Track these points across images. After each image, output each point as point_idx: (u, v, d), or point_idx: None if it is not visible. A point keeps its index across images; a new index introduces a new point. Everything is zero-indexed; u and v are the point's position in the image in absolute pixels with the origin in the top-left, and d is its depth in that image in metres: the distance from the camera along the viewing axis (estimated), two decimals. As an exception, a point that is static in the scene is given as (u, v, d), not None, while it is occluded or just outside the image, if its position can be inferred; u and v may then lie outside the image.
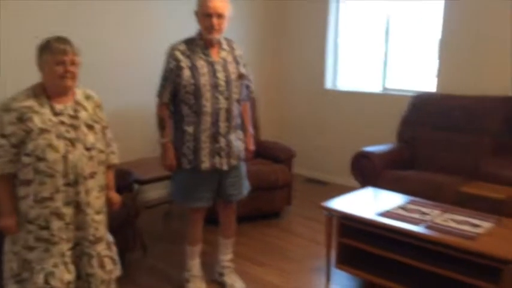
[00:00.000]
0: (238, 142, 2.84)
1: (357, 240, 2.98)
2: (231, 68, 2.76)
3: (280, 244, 3.75)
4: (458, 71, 4.34)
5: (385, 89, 5.05)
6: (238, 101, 2.79)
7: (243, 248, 3.48)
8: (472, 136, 3.94)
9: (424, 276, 2.76)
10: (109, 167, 2.31)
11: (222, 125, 2.73)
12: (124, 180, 3.20)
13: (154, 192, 4.45)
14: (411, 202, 3.13)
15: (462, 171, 3.82)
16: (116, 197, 2.37)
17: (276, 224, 4.14)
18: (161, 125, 2.79)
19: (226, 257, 3.04)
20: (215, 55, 2.74)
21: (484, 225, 2.71)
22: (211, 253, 3.20)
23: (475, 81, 4.21)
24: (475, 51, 4.22)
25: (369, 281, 2.98)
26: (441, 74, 4.48)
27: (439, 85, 4.49)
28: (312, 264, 3.41)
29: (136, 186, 3.52)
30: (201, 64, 2.69)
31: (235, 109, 2.78)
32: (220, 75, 2.71)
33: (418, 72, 4.83)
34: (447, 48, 4.40)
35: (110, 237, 2.31)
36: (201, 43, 2.72)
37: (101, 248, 2.21)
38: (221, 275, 3.03)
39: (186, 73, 2.66)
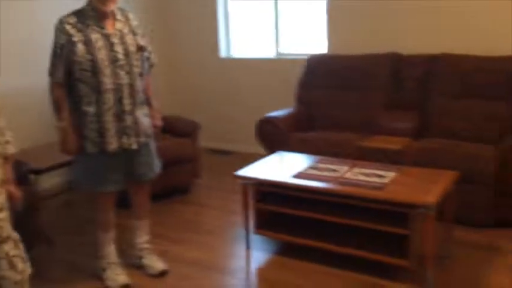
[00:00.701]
0: (145, 119, 2.70)
1: (274, 204, 3.02)
2: (129, 39, 2.59)
3: (195, 219, 3.70)
4: (347, 31, 4.52)
5: (279, 54, 5.12)
6: (140, 74, 2.63)
7: (158, 228, 3.37)
8: (365, 93, 4.15)
9: (341, 230, 2.89)
10: (6, 158, 2.06)
11: (126, 102, 2.56)
12: (18, 171, 2.89)
13: (51, 181, 4.12)
14: (320, 161, 3.23)
15: (360, 127, 4.02)
16: (16, 191, 2.13)
17: (187, 199, 4.06)
18: (56, 107, 2.56)
19: (142, 239, 2.92)
20: (110, 27, 2.54)
21: (389, 175, 2.88)
22: (125, 238, 3.05)
23: (363, 40, 4.41)
24: (362, 11, 4.40)
25: (289, 241, 3.05)
26: (331, 35, 4.63)
27: (330, 46, 4.65)
28: (230, 234, 3.41)
29: (32, 176, 3.21)
30: (95, 37, 2.48)
31: (139, 84, 2.62)
32: (118, 48, 2.53)
33: (309, 35, 4.95)
34: (335, 9, 4.54)
35: (15, 235, 2.08)
36: (93, 14, 2.50)
37: (8, 247, 2.00)
38: (140, 258, 2.91)
39: (80, 48, 2.45)
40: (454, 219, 3.01)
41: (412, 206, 2.55)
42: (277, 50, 5.11)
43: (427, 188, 2.65)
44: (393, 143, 3.59)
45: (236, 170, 3.10)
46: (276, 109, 4.32)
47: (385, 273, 2.74)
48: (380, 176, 2.86)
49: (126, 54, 2.54)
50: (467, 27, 3.97)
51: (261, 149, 4.16)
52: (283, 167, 3.21)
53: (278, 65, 5.02)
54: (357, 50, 4.34)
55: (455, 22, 4.01)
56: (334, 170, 3.01)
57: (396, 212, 2.63)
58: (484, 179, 3.18)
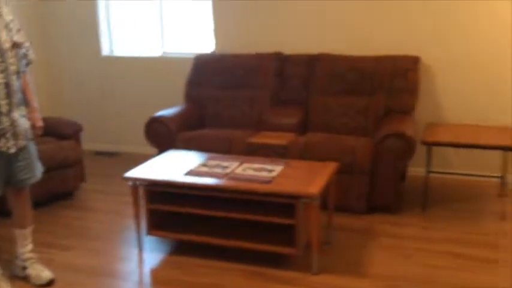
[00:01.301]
0: (23, 120, 2.54)
1: (166, 204, 3.02)
2: (3, 36, 2.41)
3: (82, 224, 3.55)
4: (233, 30, 4.63)
5: (165, 53, 5.08)
6: (17, 73, 2.47)
7: (42, 235, 3.18)
8: (252, 91, 4.29)
9: (234, 225, 2.97)
10: None
11: (3, 103, 2.40)
12: None
13: None
14: (211, 158, 3.29)
15: (249, 124, 4.15)
16: None
17: (73, 204, 3.88)
18: None
19: (26, 248, 2.74)
20: (-20, 23, 2.35)
21: (276, 169, 3.02)
22: (7, 248, 2.84)
23: (249, 40, 4.55)
24: (247, 11, 4.54)
25: (182, 240, 3.07)
26: (218, 35, 4.71)
27: (217, 45, 4.72)
28: (121, 237, 3.34)
29: None
30: (-36, 34, 2.28)
31: (16, 83, 2.46)
32: (-9, 45, 2.35)
33: (196, 34, 4.98)
34: (220, 9, 4.63)
35: None
36: (-40, 8, 2.30)
37: None
38: (24, 268, 2.73)
39: None
40: (335, 207, 3.25)
41: (297, 197, 2.71)
42: (163, 49, 5.07)
43: (311, 180, 2.83)
44: (280, 139, 3.77)
45: (124, 171, 3.04)
46: (165, 108, 4.29)
47: (275, 262, 2.88)
48: (268, 170, 2.99)
49: (0, 52, 2.37)
50: (344, 28, 4.28)
51: (150, 149, 4.11)
52: (173, 166, 3.21)
53: (164, 63, 4.99)
54: (243, 49, 4.47)
55: (334, 23, 4.30)
56: (224, 167, 3.08)
57: (284, 204, 2.78)
58: (360, 169, 3.47)
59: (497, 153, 3.80)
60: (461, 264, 2.85)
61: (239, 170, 3.01)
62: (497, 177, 3.80)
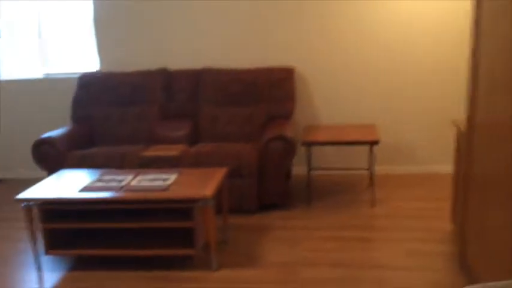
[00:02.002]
0: None
1: (63, 222, 3.04)
2: None
3: (-29, 254, 3.40)
4: (118, 49, 4.72)
5: (47, 74, 4.99)
6: None
7: None
8: (141, 107, 4.41)
9: (136, 234, 3.08)
10: None
11: None
12: None
13: None
14: (105, 173, 3.36)
15: (140, 140, 4.27)
16: None
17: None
18: None
19: None
20: None
21: (171, 177, 3.20)
22: None
23: (134, 57, 4.67)
24: (130, 30, 4.66)
25: (83, 256, 3.10)
26: (101, 53, 4.76)
27: (101, 64, 4.77)
28: (18, 260, 3.26)
29: None
30: None
31: None
32: None
33: (79, 53, 4.97)
34: (102, 26, 4.69)
35: None
36: None
37: None
38: None
39: None
40: (229, 209, 3.49)
41: (193, 200, 2.91)
42: (45, 70, 4.98)
43: (204, 184, 3.05)
44: (172, 150, 3.94)
45: (12, 197, 3.00)
46: (53, 129, 4.25)
47: (178, 265, 3.04)
48: (163, 180, 3.15)
49: None
50: (226, 43, 4.58)
51: (39, 173, 4.04)
52: (67, 184, 3.23)
53: (47, 85, 4.90)
54: (128, 67, 4.58)
55: (217, 39, 4.59)
56: (119, 180, 3.18)
57: (181, 209, 2.96)
58: (249, 172, 3.76)
59: (365, 148, 4.35)
60: (343, 245, 3.24)
61: (134, 182, 3.13)
62: (366, 169, 4.32)
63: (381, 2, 4.30)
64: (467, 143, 2.69)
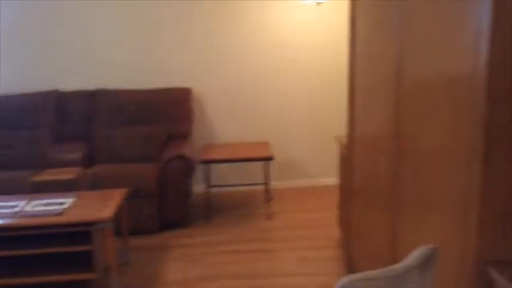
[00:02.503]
0: None
1: None
2: None
3: None
4: (5, 71, 4.50)
5: None
6: None
7: None
8: (32, 131, 4.25)
9: (34, 261, 2.97)
10: None
11: None
12: None
13: None
14: (-6, 201, 3.20)
15: (33, 164, 4.10)
16: None
17: None
18: None
19: None
20: None
21: (68, 201, 3.14)
22: None
23: (23, 79, 4.49)
24: (17, 51, 4.48)
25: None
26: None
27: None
28: None
29: None
30: None
31: None
32: None
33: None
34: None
35: None
36: None
37: None
38: None
39: None
40: (130, 230, 3.50)
41: (91, 223, 2.89)
42: None
43: (102, 206, 3.04)
44: (67, 174, 3.84)
45: None
46: None
47: (76, 291, 2.99)
48: (59, 204, 3.08)
49: None
50: (121, 64, 4.59)
51: None
52: (-49, 214, 3.03)
53: None
54: (17, 89, 4.40)
55: (111, 60, 4.57)
56: (12, 206, 3.05)
57: (80, 232, 2.92)
58: (148, 192, 3.80)
59: (261, 164, 4.58)
60: (242, 258, 3.40)
61: (28, 208, 3.03)
62: (263, 184, 4.56)
63: (270, 28, 4.61)
64: (348, 156, 3.00)
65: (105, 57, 4.58)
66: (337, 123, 4.68)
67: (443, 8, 1.53)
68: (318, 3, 4.44)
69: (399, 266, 1.25)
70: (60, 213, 2.92)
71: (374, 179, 2.44)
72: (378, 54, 2.30)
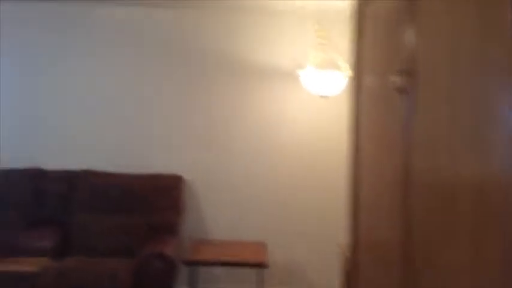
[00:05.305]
0: None
1: None
2: None
3: None
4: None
5: None
6: None
7: None
8: (3, 212, 3.81)
9: None
10: None
11: None
12: None
13: None
14: None
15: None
16: None
17: None
18: None
19: None
20: None
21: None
22: None
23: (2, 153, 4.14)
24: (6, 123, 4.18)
25: None
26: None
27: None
28: None
29: None
30: None
31: None
32: None
33: None
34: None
35: None
36: None
37: None
38: None
39: None
40: None
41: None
42: None
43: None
44: (30, 265, 3.35)
45: None
46: None
47: None
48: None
49: None
50: (108, 145, 4.23)
51: None
52: None
53: None
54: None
55: (97, 140, 4.23)
56: None
57: None
58: (120, 294, 3.26)
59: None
60: None
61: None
62: (256, 291, 3.99)
63: (272, 116, 4.27)
64: (352, 266, 2.50)
65: (92, 136, 4.22)
66: (339, 227, 4.17)
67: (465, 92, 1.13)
68: (322, 97, 4.02)
69: None
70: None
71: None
72: (384, 148, 1.91)
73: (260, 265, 3.49)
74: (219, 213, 4.28)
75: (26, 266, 3.34)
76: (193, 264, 3.52)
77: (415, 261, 1.53)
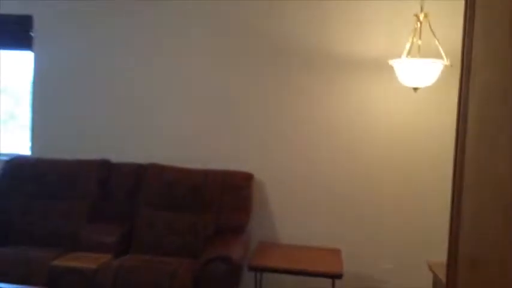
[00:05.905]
0: None
1: None
2: None
3: None
4: (53, 134, 4.13)
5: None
6: None
7: None
8: (70, 203, 3.73)
9: None
10: None
11: None
12: None
13: None
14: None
15: (62, 242, 3.52)
16: None
17: None
18: None
19: None
20: None
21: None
22: None
23: (71, 144, 4.07)
24: (68, 115, 4.11)
25: None
26: (35, 136, 4.16)
27: (34, 148, 4.15)
28: None
29: None
30: None
31: None
32: None
33: (13, 133, 4.38)
34: (39, 111, 4.14)
35: None
36: None
37: None
38: None
39: None
40: None
41: None
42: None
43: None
44: (91, 261, 3.22)
45: None
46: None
47: None
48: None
49: None
50: (175, 138, 4.02)
51: None
52: None
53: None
54: (64, 154, 3.95)
55: (165, 133, 4.04)
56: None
57: None
58: (180, 298, 3.03)
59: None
60: None
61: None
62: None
63: (359, 111, 3.82)
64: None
65: (158, 130, 4.04)
66: (432, 243, 3.61)
67: None
68: (415, 89, 3.52)
69: None
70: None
71: None
72: (499, 149, 1.46)
73: (334, 275, 3.10)
74: (289, 216, 3.93)
75: (86, 262, 3.21)
76: (260, 269, 3.21)
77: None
